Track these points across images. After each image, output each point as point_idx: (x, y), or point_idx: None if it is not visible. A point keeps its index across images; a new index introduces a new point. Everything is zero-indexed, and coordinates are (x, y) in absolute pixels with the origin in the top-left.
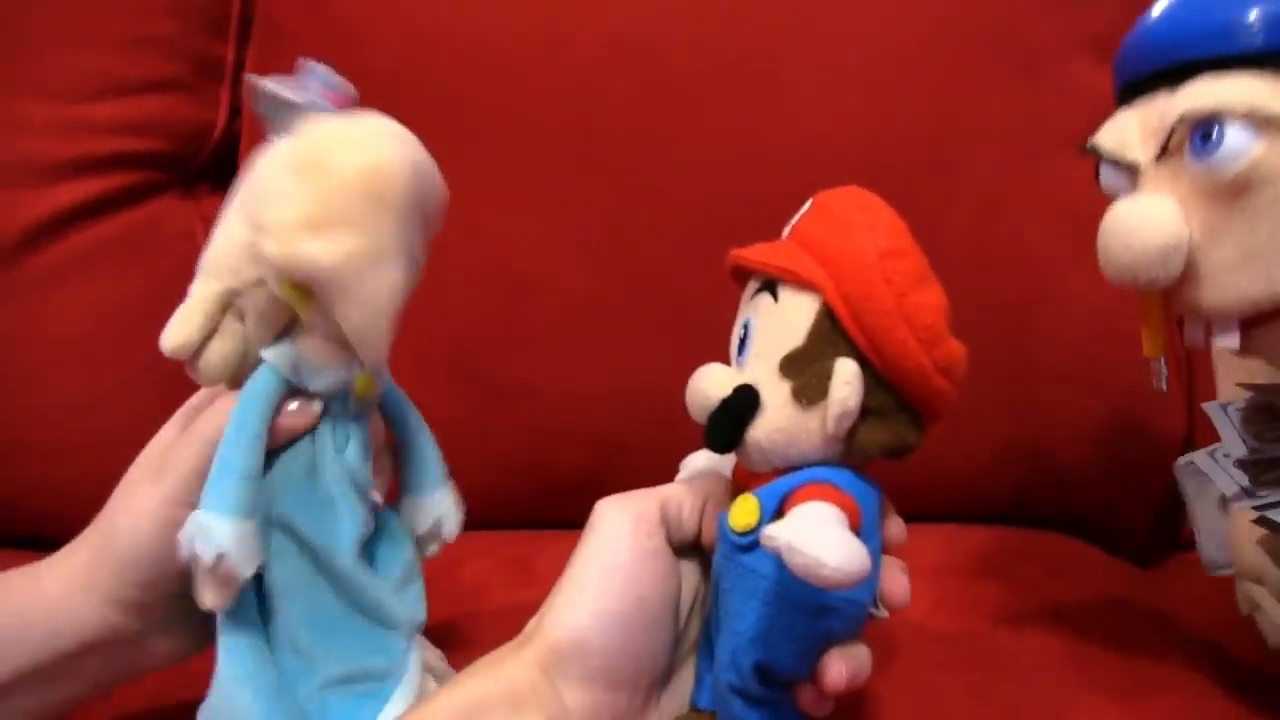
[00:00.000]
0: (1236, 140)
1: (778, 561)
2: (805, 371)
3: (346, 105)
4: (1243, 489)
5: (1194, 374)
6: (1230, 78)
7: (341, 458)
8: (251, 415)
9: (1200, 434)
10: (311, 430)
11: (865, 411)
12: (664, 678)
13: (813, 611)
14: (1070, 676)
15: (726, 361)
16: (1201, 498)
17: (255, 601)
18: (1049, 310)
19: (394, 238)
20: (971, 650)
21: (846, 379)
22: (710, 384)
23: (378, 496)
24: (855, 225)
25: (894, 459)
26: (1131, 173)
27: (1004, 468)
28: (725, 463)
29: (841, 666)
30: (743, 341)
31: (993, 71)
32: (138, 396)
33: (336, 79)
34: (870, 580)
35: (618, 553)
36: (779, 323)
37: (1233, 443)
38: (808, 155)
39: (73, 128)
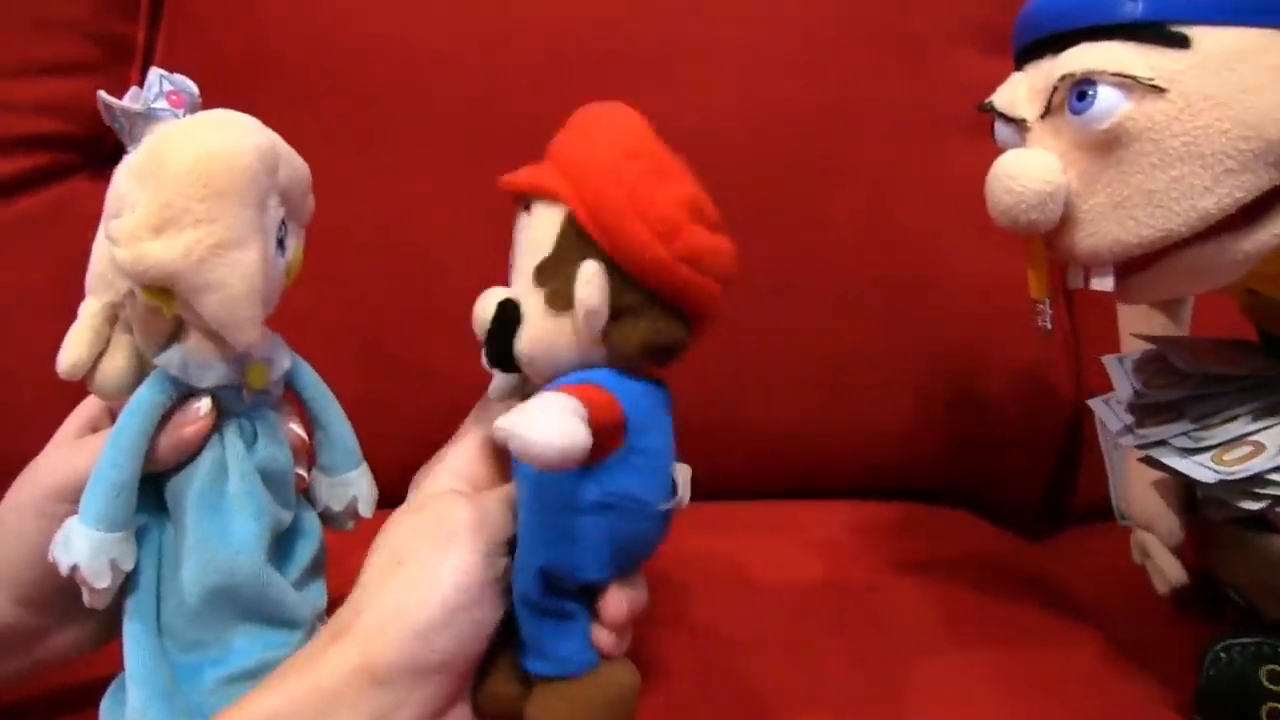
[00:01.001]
0: (1108, 99)
1: None
2: (555, 278)
3: (190, 106)
4: (1126, 427)
5: (1082, 360)
6: (1105, 44)
7: (251, 454)
8: (126, 429)
9: (1087, 416)
10: (217, 432)
11: (619, 312)
12: None
13: (586, 510)
14: (949, 638)
15: None
16: (1116, 449)
17: (155, 597)
18: (938, 290)
19: (240, 223)
20: (856, 617)
21: (586, 279)
22: (483, 306)
23: (303, 471)
24: (593, 134)
25: (662, 358)
26: (1020, 128)
27: (899, 444)
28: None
29: (621, 599)
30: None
31: (883, 59)
32: (45, 379)
33: (179, 80)
34: (653, 475)
35: (466, 585)
36: (532, 237)
37: (1124, 389)
38: (704, 137)
39: None
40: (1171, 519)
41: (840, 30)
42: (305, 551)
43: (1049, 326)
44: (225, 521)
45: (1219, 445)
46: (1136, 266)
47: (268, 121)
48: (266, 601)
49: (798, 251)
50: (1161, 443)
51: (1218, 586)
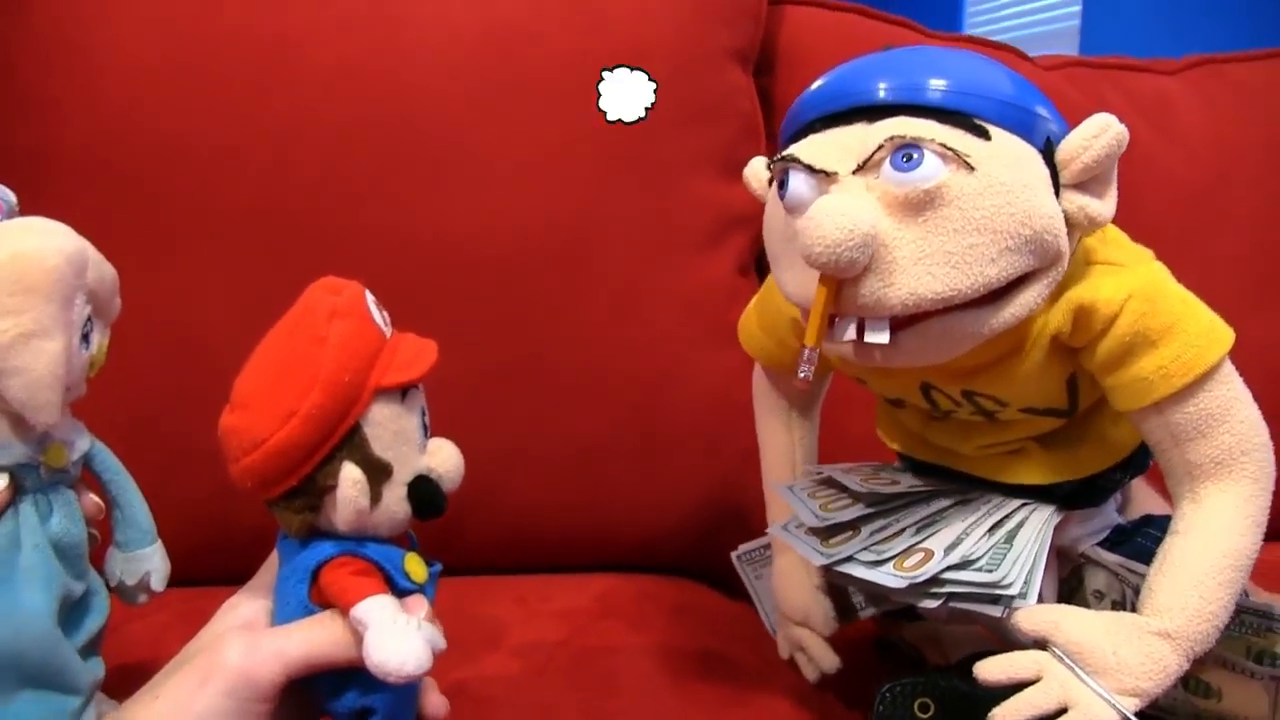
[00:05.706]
0: (932, 164)
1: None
2: None
3: (8, 212)
4: (813, 548)
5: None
6: (926, 119)
7: (45, 527)
8: None
9: None
10: (12, 506)
11: None
12: None
13: None
14: (672, 692)
15: None
16: (760, 579)
17: None
18: (675, 385)
19: (46, 316)
20: (591, 676)
21: None
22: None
23: (94, 532)
24: None
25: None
26: (823, 180)
27: (641, 523)
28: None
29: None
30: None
31: (633, 181)
32: None
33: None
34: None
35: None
36: None
37: (805, 515)
38: (466, 247)
39: None
40: (827, 611)
41: (598, 154)
42: (93, 625)
43: (808, 376)
44: (15, 590)
45: (898, 555)
46: (908, 323)
47: (52, 214)
48: (50, 668)
49: (551, 347)
50: (849, 558)
51: (894, 642)
